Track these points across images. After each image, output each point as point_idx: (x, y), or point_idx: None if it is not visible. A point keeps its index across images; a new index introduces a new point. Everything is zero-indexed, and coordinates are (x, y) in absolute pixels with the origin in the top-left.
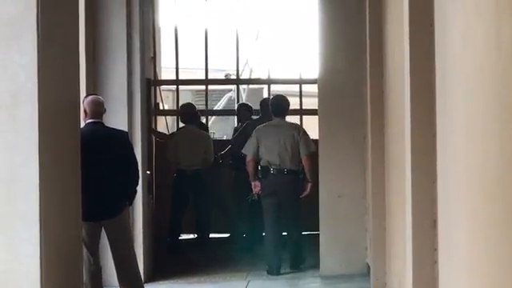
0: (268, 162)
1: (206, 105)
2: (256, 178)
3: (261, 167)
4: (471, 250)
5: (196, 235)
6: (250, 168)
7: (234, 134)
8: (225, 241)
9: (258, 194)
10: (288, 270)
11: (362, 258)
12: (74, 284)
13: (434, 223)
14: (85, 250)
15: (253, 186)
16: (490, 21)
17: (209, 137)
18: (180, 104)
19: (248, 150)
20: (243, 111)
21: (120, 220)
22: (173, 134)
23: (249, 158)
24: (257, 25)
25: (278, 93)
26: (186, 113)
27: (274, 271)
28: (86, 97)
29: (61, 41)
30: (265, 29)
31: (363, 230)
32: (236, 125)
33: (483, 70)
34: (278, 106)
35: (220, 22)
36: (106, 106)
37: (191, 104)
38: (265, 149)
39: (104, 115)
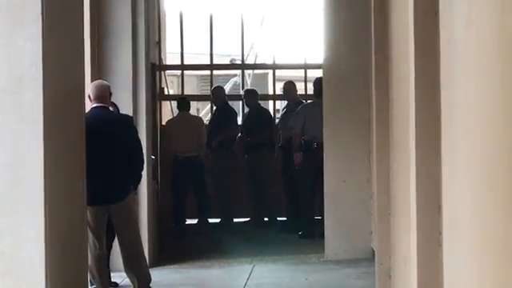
0: (313, 136)
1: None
2: (299, 150)
3: (305, 141)
4: (476, 234)
5: (197, 220)
6: (297, 141)
7: (243, 119)
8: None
9: (298, 165)
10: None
11: (366, 242)
12: (79, 269)
13: (438, 207)
14: (90, 235)
15: (294, 157)
16: (494, 10)
17: (202, 120)
18: (183, 89)
19: (296, 125)
20: (250, 96)
21: (125, 204)
22: (167, 122)
23: (297, 132)
24: (262, 10)
25: (283, 78)
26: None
27: (309, 235)
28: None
29: (65, 25)
30: (270, 14)
31: (368, 215)
32: (242, 110)
33: (486, 57)
34: (318, 87)
35: (225, 6)
36: (111, 91)
37: (220, 88)
38: (310, 124)
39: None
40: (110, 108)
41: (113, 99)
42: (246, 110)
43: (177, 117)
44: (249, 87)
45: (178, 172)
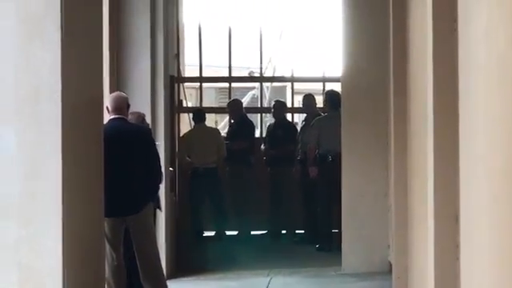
0: (327, 150)
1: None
2: (314, 163)
3: (319, 155)
4: (493, 247)
5: (215, 232)
6: (311, 155)
7: (267, 131)
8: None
9: (314, 178)
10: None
11: (384, 256)
12: (97, 280)
13: (456, 220)
14: (107, 246)
15: (310, 171)
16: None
17: (219, 133)
18: (201, 102)
19: (310, 139)
20: (280, 108)
21: (143, 216)
22: (184, 135)
23: (311, 146)
24: (280, 23)
25: (302, 91)
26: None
27: (326, 248)
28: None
29: (84, 37)
30: (288, 27)
31: (385, 229)
32: (260, 123)
33: (505, 62)
34: (332, 100)
35: (244, 19)
36: (129, 103)
37: (237, 101)
38: (324, 138)
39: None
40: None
41: (131, 111)
42: (270, 121)
43: (194, 129)
44: (279, 99)
45: (195, 184)
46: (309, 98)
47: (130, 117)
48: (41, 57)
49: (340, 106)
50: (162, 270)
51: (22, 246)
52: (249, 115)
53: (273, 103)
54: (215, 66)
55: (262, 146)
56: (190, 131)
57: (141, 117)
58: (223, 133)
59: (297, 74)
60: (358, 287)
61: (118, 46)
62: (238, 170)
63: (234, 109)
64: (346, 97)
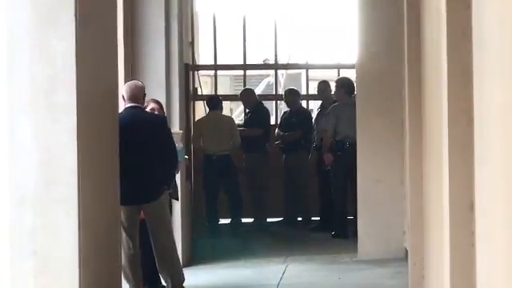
0: (345, 136)
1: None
2: (329, 150)
3: (336, 142)
4: (509, 233)
5: (230, 220)
6: (327, 141)
7: (282, 117)
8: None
9: (329, 165)
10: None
11: (399, 242)
12: (113, 268)
13: (471, 207)
14: (124, 234)
15: (325, 158)
16: None
17: (233, 120)
18: (216, 89)
19: (328, 126)
20: (290, 96)
21: (159, 204)
22: (197, 121)
23: (328, 133)
24: (295, 9)
25: (317, 78)
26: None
27: (342, 235)
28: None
29: (98, 26)
30: (303, 14)
31: (401, 215)
32: (275, 110)
33: None
34: (348, 87)
35: (258, 6)
36: (145, 91)
37: (248, 90)
38: (342, 125)
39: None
40: (150, 106)
41: (147, 99)
42: (285, 109)
43: (207, 116)
44: (291, 87)
45: (210, 171)
46: (324, 85)
47: (151, 105)
48: (56, 47)
49: (353, 92)
50: (178, 258)
51: (38, 235)
52: (264, 103)
53: (285, 92)
54: (230, 56)
55: (276, 130)
56: (203, 117)
57: (162, 108)
58: (238, 120)
59: (311, 61)
60: (373, 274)
61: (132, 34)
62: (254, 157)
63: (247, 98)
64: (361, 84)
